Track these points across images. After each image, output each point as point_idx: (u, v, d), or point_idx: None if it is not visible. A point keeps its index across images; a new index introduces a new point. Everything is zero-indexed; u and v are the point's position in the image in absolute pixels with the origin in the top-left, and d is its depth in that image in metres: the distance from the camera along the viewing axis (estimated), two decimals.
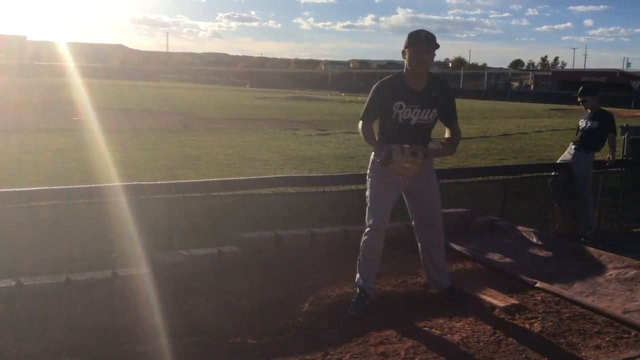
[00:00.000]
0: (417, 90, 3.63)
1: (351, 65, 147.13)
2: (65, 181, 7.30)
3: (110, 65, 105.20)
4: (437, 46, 3.62)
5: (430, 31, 3.61)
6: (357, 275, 3.70)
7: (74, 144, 11.65)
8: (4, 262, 3.97)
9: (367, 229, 3.66)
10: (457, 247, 4.76)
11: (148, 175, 8.31)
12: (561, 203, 6.50)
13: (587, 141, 6.28)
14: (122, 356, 2.93)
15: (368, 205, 3.70)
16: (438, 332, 3.32)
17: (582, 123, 6.41)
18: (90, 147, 10.34)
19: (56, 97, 26.69)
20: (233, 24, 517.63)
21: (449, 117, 3.84)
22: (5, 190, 4.37)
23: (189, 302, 3.65)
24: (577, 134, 6.48)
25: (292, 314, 3.53)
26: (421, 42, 3.56)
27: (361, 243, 3.70)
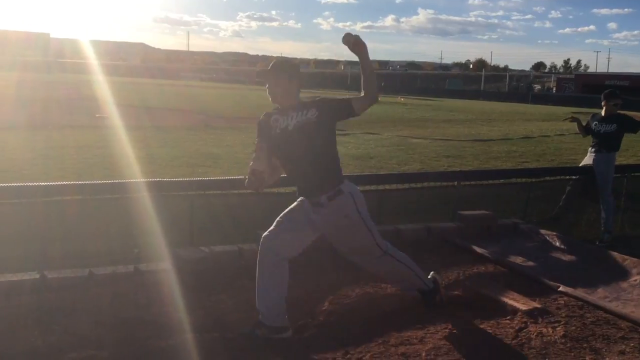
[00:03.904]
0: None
1: None
2: (90, 176, 7.39)
3: (132, 64, 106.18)
4: (283, 74, 3.33)
5: (282, 59, 3.50)
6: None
7: (98, 140, 11.79)
8: (29, 255, 4.03)
9: None
10: (478, 250, 4.72)
11: (170, 173, 8.37)
12: (569, 208, 6.42)
13: (606, 144, 6.20)
14: (145, 350, 2.96)
15: None
16: (459, 334, 3.29)
17: (597, 127, 6.29)
18: (113, 143, 10.45)
19: (79, 94, 27.02)
20: (253, 24, 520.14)
21: (344, 104, 3.32)
22: (32, 184, 4.43)
23: (211, 298, 3.68)
24: (593, 138, 6.36)
25: (312, 312, 3.54)
26: (258, 75, 3.49)
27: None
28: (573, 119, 6.66)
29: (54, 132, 13.31)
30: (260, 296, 3.27)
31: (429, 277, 3.67)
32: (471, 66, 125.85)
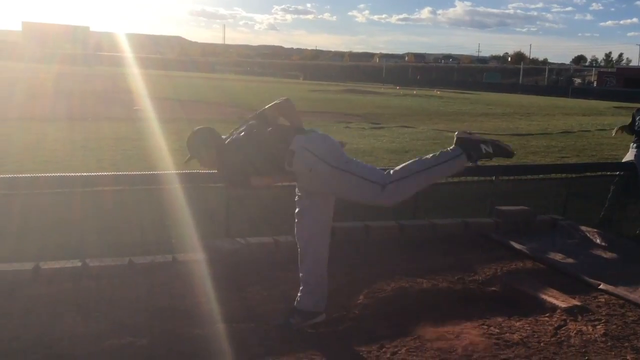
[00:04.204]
0: None
1: (406, 58, 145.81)
2: (127, 168, 7.51)
3: (169, 57, 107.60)
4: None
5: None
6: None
7: (134, 132, 11.97)
8: (70, 243, 4.13)
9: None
10: (517, 246, 4.65)
11: None
12: (615, 207, 6.24)
13: None
14: (181, 338, 2.99)
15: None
16: (497, 330, 3.24)
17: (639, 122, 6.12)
18: (149, 135, 10.60)
19: (116, 87, 27.50)
20: (288, 17, 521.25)
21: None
22: (72, 174, 4.53)
23: (246, 289, 3.71)
24: (635, 134, 6.18)
25: (347, 305, 3.53)
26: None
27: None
28: (622, 131, 6.45)
29: (92, 124, 13.58)
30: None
31: (452, 147, 3.22)
32: (509, 59, 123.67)
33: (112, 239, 4.50)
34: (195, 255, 3.98)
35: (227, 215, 4.62)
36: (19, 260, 3.72)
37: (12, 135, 10.86)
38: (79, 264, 3.64)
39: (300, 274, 3.35)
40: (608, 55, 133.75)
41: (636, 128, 6.15)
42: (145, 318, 3.18)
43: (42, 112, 15.30)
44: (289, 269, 4.03)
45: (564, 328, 3.29)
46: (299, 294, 3.32)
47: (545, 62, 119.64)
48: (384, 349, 2.97)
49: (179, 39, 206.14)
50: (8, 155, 8.60)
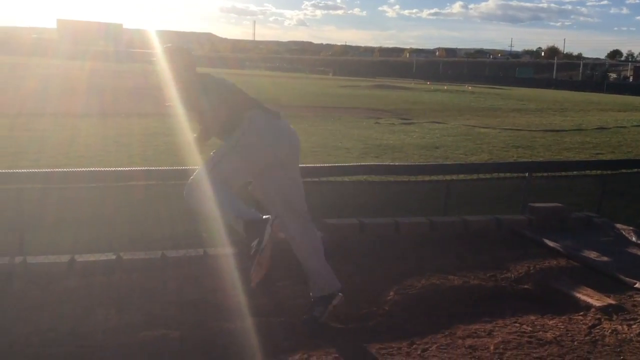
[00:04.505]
0: None
1: (437, 53, 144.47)
2: (158, 163, 7.61)
3: (199, 54, 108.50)
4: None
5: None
6: None
7: (165, 128, 12.12)
8: (103, 237, 4.20)
9: None
10: (550, 244, 4.56)
11: None
12: None
13: None
14: (211, 332, 3.02)
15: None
16: (529, 328, 3.19)
17: None
18: (179, 131, 10.70)
19: (148, 83, 27.84)
20: (318, 12, 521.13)
21: None
22: (103, 169, 4.60)
23: (275, 283, 3.71)
24: None
25: (377, 301, 3.51)
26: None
27: None
28: None
29: (124, 120, 13.78)
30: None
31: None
32: (543, 54, 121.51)
33: (144, 232, 4.57)
34: (225, 249, 4.01)
35: (255, 209, 4.63)
36: (55, 253, 3.80)
37: (48, 131, 11.10)
38: (113, 257, 3.69)
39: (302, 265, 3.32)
40: None
41: None
42: (176, 311, 3.22)
43: (76, 108, 15.60)
44: None
45: (598, 327, 3.23)
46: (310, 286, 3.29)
47: (579, 56, 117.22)
48: (414, 346, 2.95)
49: (209, 36, 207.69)
50: (44, 150, 8.80)
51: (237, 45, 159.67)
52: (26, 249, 3.95)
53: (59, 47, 75.73)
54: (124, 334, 2.92)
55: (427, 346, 2.95)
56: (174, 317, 3.13)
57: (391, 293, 3.61)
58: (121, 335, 2.91)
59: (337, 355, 2.84)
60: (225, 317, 3.19)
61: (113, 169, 4.81)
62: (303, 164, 7.72)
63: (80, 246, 3.92)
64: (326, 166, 5.93)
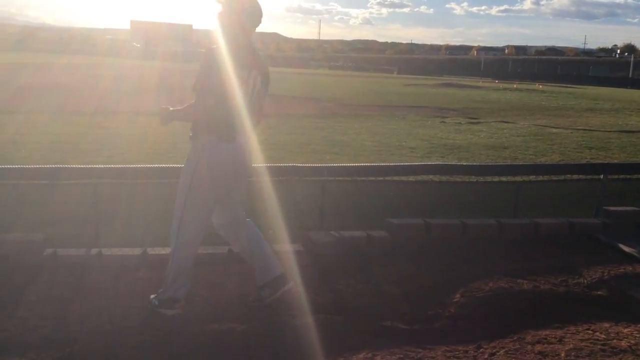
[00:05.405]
0: None
1: (506, 51, 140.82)
2: None
3: (266, 53, 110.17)
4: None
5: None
6: None
7: None
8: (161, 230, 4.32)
9: None
10: (626, 249, 4.37)
11: (299, 159, 8.58)
12: None
13: None
14: (275, 327, 3.06)
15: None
16: (603, 336, 3.06)
17: None
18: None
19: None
20: (384, 10, 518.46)
21: None
22: (170, 166, 4.72)
23: (339, 281, 3.72)
24: None
25: (443, 303, 3.46)
26: None
27: None
28: None
29: None
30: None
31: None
32: (618, 51, 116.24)
33: (210, 227, 4.67)
34: (291, 247, 4.05)
35: (321, 209, 4.66)
36: (128, 246, 3.96)
37: (120, 129, 11.54)
38: None
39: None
40: None
41: None
42: (241, 305, 3.28)
43: (145, 106, 16.14)
44: (381, 264, 4.02)
45: None
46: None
47: None
48: (481, 350, 2.89)
49: (275, 35, 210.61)
50: (117, 147, 9.15)
51: (302, 45, 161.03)
52: (101, 241, 4.12)
53: (131, 47, 78.66)
54: (195, 325, 3.01)
55: (494, 350, 2.88)
56: (239, 311, 3.20)
57: (457, 295, 3.54)
58: (192, 325, 3.00)
59: (401, 356, 2.81)
60: (289, 312, 3.22)
61: (180, 165, 4.93)
62: (368, 163, 7.71)
63: (150, 240, 4.06)
64: (391, 165, 5.90)
